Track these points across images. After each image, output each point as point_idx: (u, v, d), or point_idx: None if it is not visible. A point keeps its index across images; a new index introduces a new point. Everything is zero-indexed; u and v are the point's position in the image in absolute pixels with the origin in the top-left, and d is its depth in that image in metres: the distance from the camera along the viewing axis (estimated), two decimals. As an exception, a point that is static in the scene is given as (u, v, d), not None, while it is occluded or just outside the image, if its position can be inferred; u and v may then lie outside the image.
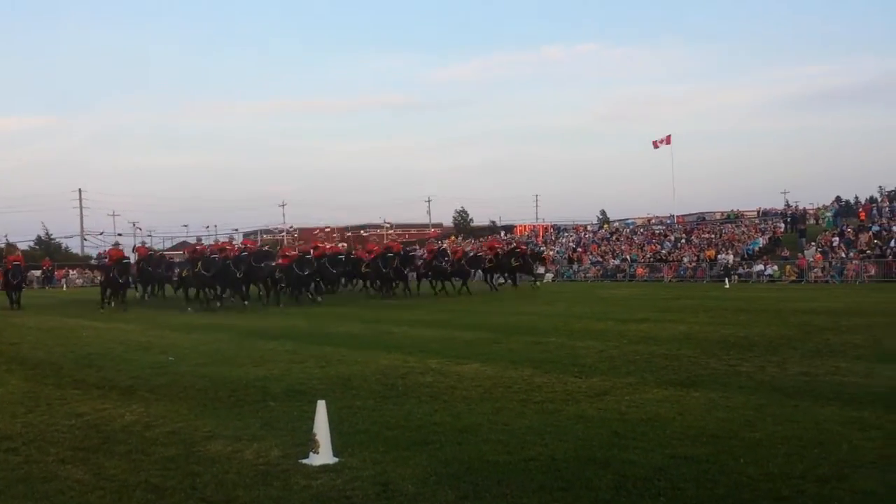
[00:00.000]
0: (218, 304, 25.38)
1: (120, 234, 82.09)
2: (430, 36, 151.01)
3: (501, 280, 34.46)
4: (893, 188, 45.03)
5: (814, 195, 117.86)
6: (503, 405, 7.85)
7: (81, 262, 73.63)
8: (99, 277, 34.23)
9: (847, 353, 11.06)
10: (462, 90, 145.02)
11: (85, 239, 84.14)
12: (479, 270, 34.76)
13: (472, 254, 35.08)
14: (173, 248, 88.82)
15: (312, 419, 6.12)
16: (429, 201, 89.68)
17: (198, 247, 29.00)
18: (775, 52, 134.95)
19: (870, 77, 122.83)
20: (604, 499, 4.88)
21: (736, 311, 18.96)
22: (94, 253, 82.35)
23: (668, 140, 53.16)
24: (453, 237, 61.38)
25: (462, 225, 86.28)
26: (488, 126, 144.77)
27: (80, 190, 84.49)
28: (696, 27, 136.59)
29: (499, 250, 34.52)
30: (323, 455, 5.85)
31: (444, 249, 33.47)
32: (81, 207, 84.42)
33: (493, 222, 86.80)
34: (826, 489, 4.93)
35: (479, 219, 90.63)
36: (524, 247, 39.47)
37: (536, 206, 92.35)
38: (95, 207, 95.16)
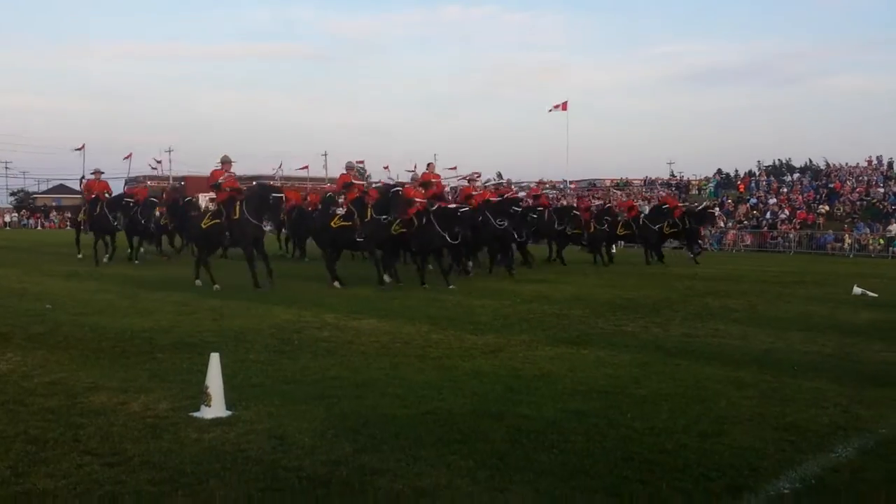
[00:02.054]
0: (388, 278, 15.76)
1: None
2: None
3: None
4: (770, 163, 47.72)
5: (697, 167, 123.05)
6: (400, 360, 7.87)
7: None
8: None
9: (725, 316, 11.69)
10: (358, 45, 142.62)
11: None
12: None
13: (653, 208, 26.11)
14: (49, 192, 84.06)
15: (203, 372, 5.93)
16: (325, 155, 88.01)
17: (356, 180, 17.60)
18: (664, 29, 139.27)
19: (752, 57, 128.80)
20: (499, 451, 4.98)
21: (622, 274, 19.69)
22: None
23: (564, 106, 54.05)
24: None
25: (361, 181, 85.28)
26: (383, 83, 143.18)
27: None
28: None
29: (683, 209, 25.59)
30: (215, 408, 5.69)
31: (609, 208, 25.14)
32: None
33: (391, 178, 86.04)
34: (707, 443, 5.20)
35: (377, 175, 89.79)
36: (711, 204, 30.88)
37: (435, 163, 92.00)
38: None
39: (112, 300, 12.58)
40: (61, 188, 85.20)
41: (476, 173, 21.03)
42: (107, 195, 21.06)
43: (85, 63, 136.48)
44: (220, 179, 15.09)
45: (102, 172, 21.66)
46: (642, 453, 4.98)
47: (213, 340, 8.72)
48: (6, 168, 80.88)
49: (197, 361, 7.33)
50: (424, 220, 15.47)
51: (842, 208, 37.68)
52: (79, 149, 23.37)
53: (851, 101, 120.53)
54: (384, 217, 15.26)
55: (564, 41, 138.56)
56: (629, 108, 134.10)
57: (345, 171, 17.54)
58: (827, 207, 37.86)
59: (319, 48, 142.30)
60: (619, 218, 24.75)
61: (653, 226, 24.18)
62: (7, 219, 62.70)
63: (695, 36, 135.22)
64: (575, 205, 25.63)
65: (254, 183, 19.43)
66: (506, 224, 17.46)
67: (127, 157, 24.71)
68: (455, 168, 26.49)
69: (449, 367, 7.59)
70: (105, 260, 20.58)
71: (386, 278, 15.54)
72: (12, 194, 79.34)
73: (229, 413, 5.70)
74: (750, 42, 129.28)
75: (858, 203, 37.63)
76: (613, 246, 25.78)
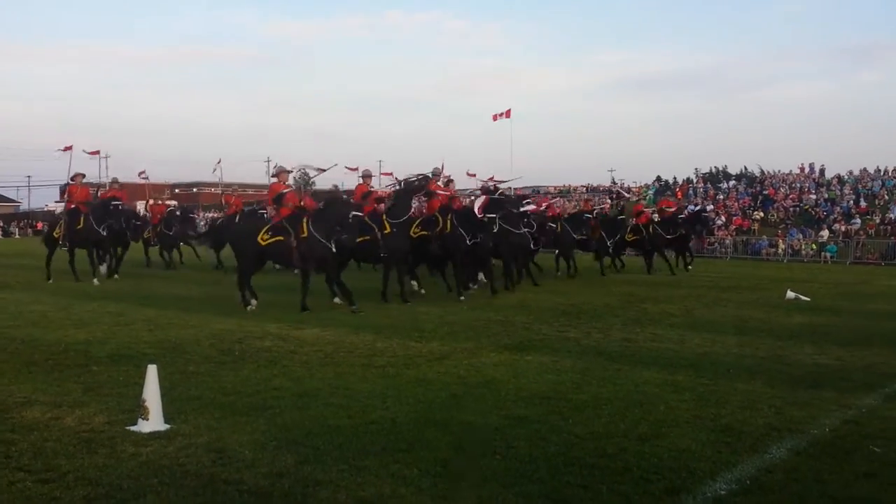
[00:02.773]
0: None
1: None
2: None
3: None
4: (707, 171, 48.92)
5: (637, 174, 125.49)
6: (344, 370, 7.82)
7: None
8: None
9: (663, 321, 11.92)
10: (301, 49, 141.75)
11: None
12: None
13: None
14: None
15: (140, 384, 5.82)
16: (268, 161, 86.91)
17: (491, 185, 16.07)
18: (603, 37, 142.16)
19: (689, 66, 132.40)
20: (443, 458, 4.99)
21: (565, 280, 19.91)
22: None
23: (507, 114, 54.44)
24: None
25: (305, 188, 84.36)
26: (326, 88, 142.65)
27: None
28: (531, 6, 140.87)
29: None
30: (153, 422, 5.58)
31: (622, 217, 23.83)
32: None
33: (336, 186, 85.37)
34: (646, 447, 5.30)
35: (321, 181, 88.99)
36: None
37: (380, 171, 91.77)
38: None
39: (45, 311, 12.20)
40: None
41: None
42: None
43: (19, 65, 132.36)
44: (284, 191, 13.54)
45: (84, 176, 19.10)
46: (583, 458, 5.05)
47: (151, 352, 8.54)
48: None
49: (134, 374, 7.18)
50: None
51: (776, 214, 38.81)
52: (65, 149, 20.69)
53: (785, 111, 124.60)
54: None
55: (505, 48, 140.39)
56: (570, 115, 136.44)
57: (360, 181, 16.14)
58: (761, 214, 38.95)
59: (261, 51, 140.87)
60: (628, 223, 23.54)
61: (665, 234, 23.00)
62: (-66, 228, 60.21)
63: (633, 45, 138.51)
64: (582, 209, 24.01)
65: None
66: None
67: (94, 154, 22.71)
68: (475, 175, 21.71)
69: (393, 376, 7.57)
70: (103, 272, 18.71)
71: (415, 286, 15.54)
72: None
73: (167, 426, 5.59)
74: (688, 52, 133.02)
75: (792, 209, 38.84)
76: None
